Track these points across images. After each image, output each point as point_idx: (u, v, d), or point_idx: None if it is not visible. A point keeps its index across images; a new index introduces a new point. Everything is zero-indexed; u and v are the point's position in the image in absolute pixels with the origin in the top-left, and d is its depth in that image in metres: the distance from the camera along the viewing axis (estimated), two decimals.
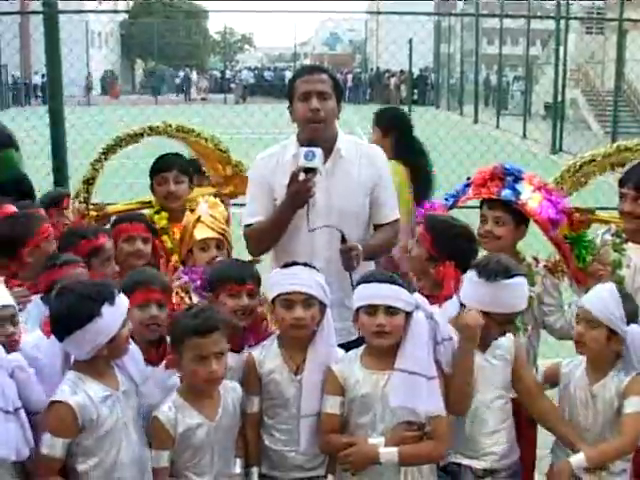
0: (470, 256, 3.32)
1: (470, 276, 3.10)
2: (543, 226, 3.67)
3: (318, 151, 3.38)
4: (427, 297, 3.11)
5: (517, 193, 3.63)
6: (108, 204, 4.50)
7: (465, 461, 3.10)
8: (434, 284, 3.33)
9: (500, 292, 3.04)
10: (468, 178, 3.83)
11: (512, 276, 3.06)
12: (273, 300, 3.10)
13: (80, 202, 4.28)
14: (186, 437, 2.84)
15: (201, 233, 3.74)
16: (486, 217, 3.65)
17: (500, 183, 3.67)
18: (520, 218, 3.65)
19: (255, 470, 3.09)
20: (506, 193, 3.62)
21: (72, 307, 2.69)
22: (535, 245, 3.90)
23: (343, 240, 3.42)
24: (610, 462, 3.10)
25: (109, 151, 4.43)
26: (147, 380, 2.91)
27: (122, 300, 2.80)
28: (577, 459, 3.06)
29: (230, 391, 2.99)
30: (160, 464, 2.84)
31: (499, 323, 3.10)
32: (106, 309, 2.69)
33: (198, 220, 3.77)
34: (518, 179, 3.68)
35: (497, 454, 3.12)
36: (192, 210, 3.91)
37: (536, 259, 3.76)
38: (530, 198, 3.63)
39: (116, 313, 2.74)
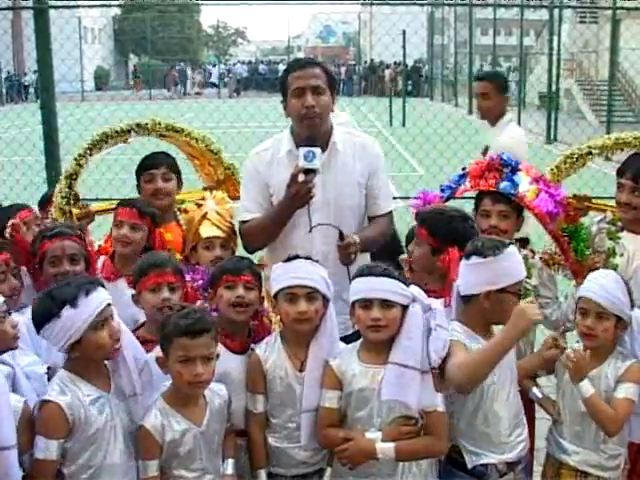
0: (470, 235, 3.23)
1: (472, 262, 2.99)
2: (542, 219, 3.63)
3: (317, 151, 3.35)
4: (433, 292, 3.09)
5: (515, 185, 3.59)
6: (86, 199, 4.40)
7: (492, 459, 2.99)
8: (441, 277, 3.27)
9: (507, 262, 2.98)
10: (463, 168, 3.78)
11: (508, 245, 3.03)
12: (276, 295, 3.07)
13: (62, 197, 4.14)
14: (174, 445, 2.77)
15: (206, 231, 3.67)
16: (489, 212, 3.59)
17: (498, 175, 3.63)
18: (519, 209, 3.62)
19: (264, 473, 3.06)
20: (505, 185, 3.58)
21: (37, 305, 2.74)
22: None
23: (341, 237, 3.38)
24: (595, 420, 3.12)
25: (94, 147, 4.24)
26: (137, 396, 2.82)
27: (90, 302, 2.70)
28: (587, 384, 3.08)
29: (216, 395, 2.92)
30: (149, 474, 2.78)
31: (516, 295, 2.99)
32: (66, 311, 2.65)
33: (204, 217, 3.71)
34: (515, 170, 3.64)
35: (519, 446, 3.05)
36: (199, 205, 3.83)
37: (532, 251, 3.74)
38: (528, 190, 3.59)
39: (78, 315, 2.67)
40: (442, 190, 3.81)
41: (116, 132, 4.25)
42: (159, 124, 4.31)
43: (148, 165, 4.06)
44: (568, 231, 3.70)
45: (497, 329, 3.05)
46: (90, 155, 4.22)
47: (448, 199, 3.79)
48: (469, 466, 3.01)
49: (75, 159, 4.22)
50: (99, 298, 2.73)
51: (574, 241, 3.69)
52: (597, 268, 3.58)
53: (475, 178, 3.68)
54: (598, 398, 3.10)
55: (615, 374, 3.14)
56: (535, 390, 3.34)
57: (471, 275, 3.01)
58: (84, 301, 2.68)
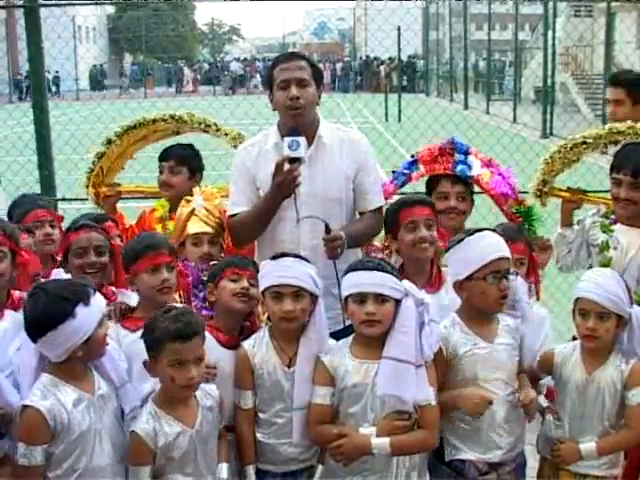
0: None
1: (461, 246, 3.08)
2: (497, 200, 3.85)
3: (302, 140, 3.34)
4: None
5: (470, 168, 3.77)
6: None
7: (470, 456, 3.02)
8: None
9: (464, 252, 3.06)
10: (412, 156, 3.93)
11: (472, 233, 3.11)
12: (263, 292, 3.07)
13: (87, 173, 4.42)
14: (168, 449, 2.72)
15: (194, 227, 3.66)
16: (448, 194, 3.74)
17: (451, 158, 3.80)
18: (472, 192, 3.78)
19: (252, 468, 3.04)
20: (462, 168, 3.76)
21: (45, 307, 2.62)
22: None
23: (327, 230, 3.37)
24: (618, 451, 3.14)
25: (126, 133, 4.44)
26: (126, 383, 2.82)
27: (97, 300, 2.71)
28: (588, 448, 3.08)
29: (207, 395, 2.89)
30: None
31: (493, 276, 3.02)
32: (80, 309, 2.62)
33: (192, 213, 3.70)
34: (466, 154, 3.81)
35: (503, 448, 3.04)
36: (188, 201, 3.82)
37: None
38: (482, 173, 3.78)
39: (91, 313, 2.65)
40: (395, 177, 3.91)
41: (147, 121, 4.43)
42: (193, 116, 4.44)
43: (160, 157, 4.26)
44: (522, 212, 3.88)
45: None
46: (119, 140, 4.43)
47: (403, 185, 3.98)
48: (446, 458, 3.03)
49: (103, 142, 4.44)
50: (100, 295, 2.75)
51: (527, 221, 3.87)
52: (549, 246, 3.81)
53: (429, 163, 3.85)
54: (608, 444, 3.09)
55: (620, 376, 3.08)
56: (541, 399, 3.30)
57: (461, 254, 3.11)
58: (93, 298, 2.68)
